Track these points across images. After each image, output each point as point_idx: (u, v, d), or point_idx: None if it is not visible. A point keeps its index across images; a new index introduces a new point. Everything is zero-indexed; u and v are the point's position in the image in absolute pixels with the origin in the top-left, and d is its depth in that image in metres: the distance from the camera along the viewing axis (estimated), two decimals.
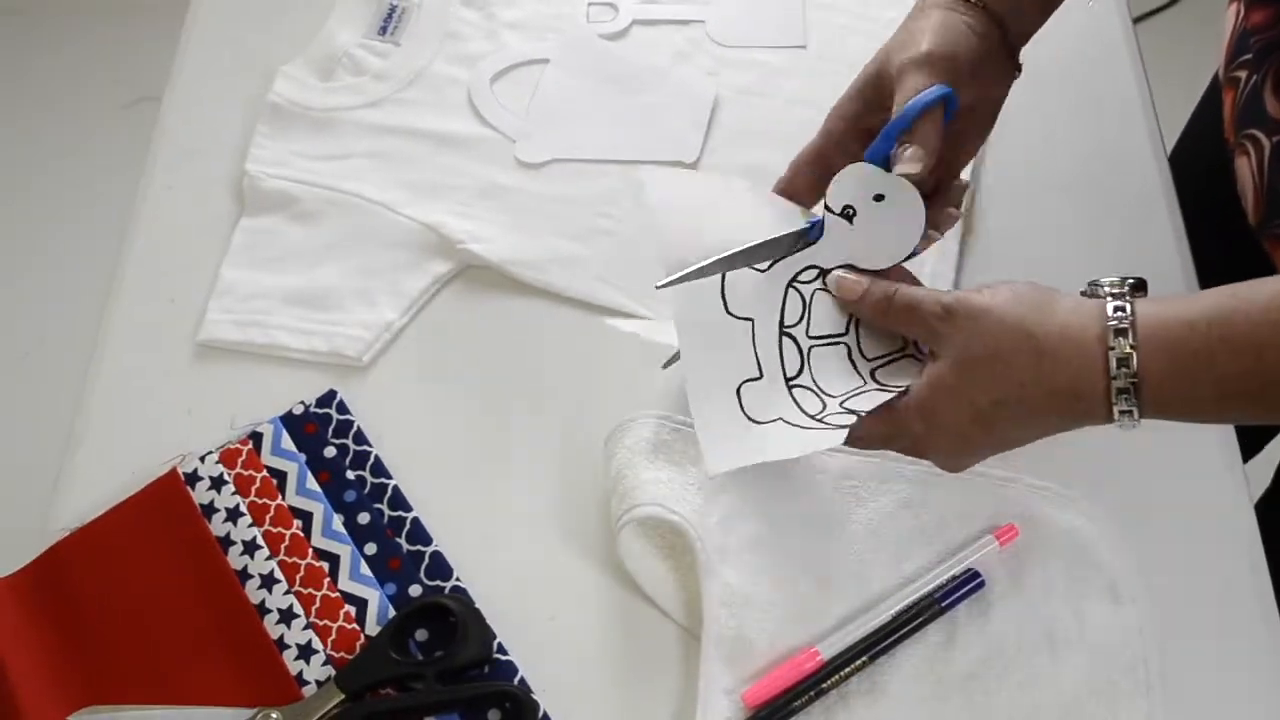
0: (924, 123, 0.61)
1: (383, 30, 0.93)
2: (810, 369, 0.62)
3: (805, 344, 0.63)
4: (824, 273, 0.63)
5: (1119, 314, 0.54)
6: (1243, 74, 0.77)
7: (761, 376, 0.62)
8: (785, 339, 0.63)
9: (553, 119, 0.88)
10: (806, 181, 0.66)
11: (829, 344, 0.63)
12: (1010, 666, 0.67)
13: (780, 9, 0.93)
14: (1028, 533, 0.70)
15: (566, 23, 0.93)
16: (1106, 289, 0.56)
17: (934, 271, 0.80)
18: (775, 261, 0.63)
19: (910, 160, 0.60)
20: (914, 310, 0.59)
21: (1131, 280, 0.56)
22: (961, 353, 0.57)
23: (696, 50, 0.91)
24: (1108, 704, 0.66)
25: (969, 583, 0.68)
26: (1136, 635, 0.67)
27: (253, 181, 0.85)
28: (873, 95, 0.65)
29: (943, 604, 0.68)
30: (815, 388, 0.62)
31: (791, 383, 0.62)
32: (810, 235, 0.64)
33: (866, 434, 0.60)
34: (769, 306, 0.63)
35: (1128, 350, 0.53)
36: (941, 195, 0.65)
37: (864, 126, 0.65)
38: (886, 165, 0.62)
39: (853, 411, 0.60)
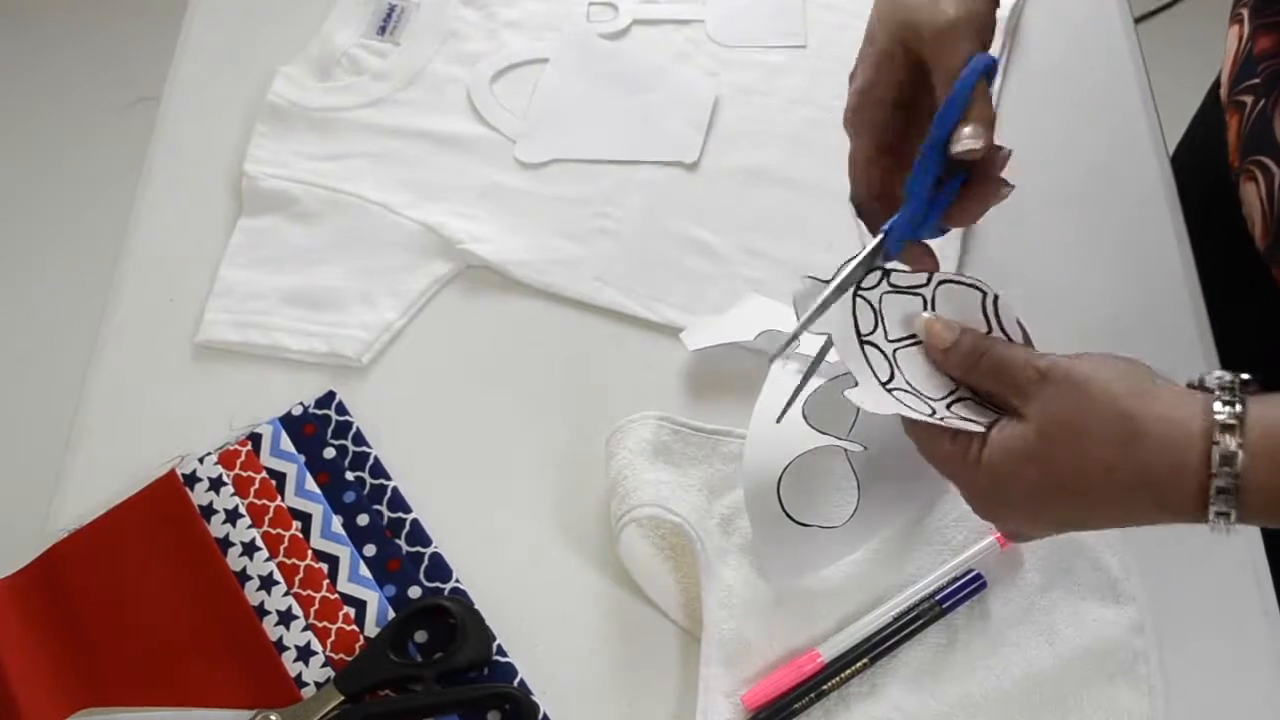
0: (977, 97, 0.58)
1: (381, 30, 0.93)
2: (901, 372, 0.60)
3: (888, 348, 0.60)
4: (886, 274, 0.61)
5: (1227, 408, 0.50)
6: (1248, 99, 0.76)
7: (856, 385, 0.60)
8: (867, 347, 0.60)
9: (552, 119, 0.88)
10: (876, 182, 0.63)
11: (912, 344, 0.60)
12: (1010, 667, 0.67)
13: (780, 8, 0.93)
14: None
15: (566, 22, 0.93)
16: (1215, 383, 0.52)
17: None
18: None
19: (971, 139, 0.57)
20: (1004, 370, 0.56)
21: (1244, 377, 0.52)
22: (1049, 419, 0.53)
23: (697, 50, 0.91)
24: (1108, 704, 0.66)
25: (970, 584, 0.68)
26: (1137, 635, 0.67)
27: (251, 182, 0.85)
28: (902, 70, 0.61)
29: (943, 605, 0.68)
30: (913, 390, 0.59)
31: (889, 388, 0.59)
32: (888, 243, 0.61)
33: (941, 458, 0.57)
34: (841, 318, 0.61)
35: (1233, 449, 0.50)
36: (991, 164, 0.61)
37: (900, 105, 0.62)
38: (941, 155, 0.59)
39: (963, 417, 0.57)
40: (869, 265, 0.61)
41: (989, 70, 0.58)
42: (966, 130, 0.57)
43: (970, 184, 0.60)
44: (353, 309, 0.80)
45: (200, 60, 0.93)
